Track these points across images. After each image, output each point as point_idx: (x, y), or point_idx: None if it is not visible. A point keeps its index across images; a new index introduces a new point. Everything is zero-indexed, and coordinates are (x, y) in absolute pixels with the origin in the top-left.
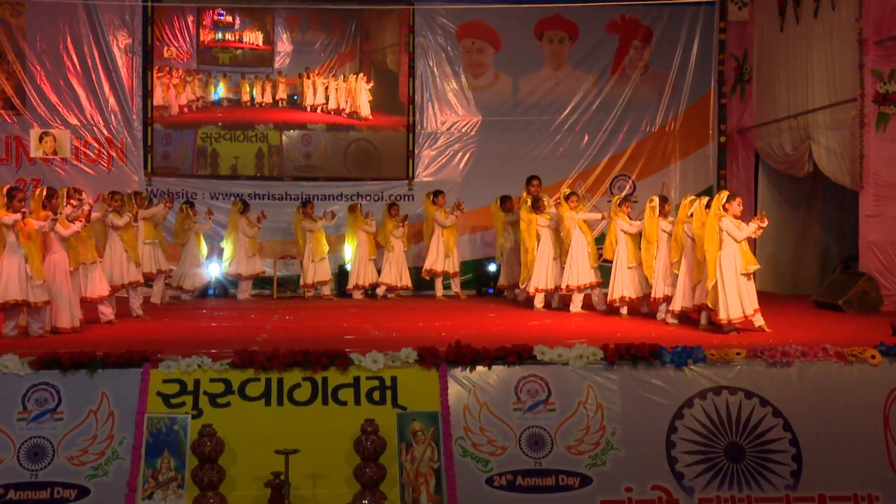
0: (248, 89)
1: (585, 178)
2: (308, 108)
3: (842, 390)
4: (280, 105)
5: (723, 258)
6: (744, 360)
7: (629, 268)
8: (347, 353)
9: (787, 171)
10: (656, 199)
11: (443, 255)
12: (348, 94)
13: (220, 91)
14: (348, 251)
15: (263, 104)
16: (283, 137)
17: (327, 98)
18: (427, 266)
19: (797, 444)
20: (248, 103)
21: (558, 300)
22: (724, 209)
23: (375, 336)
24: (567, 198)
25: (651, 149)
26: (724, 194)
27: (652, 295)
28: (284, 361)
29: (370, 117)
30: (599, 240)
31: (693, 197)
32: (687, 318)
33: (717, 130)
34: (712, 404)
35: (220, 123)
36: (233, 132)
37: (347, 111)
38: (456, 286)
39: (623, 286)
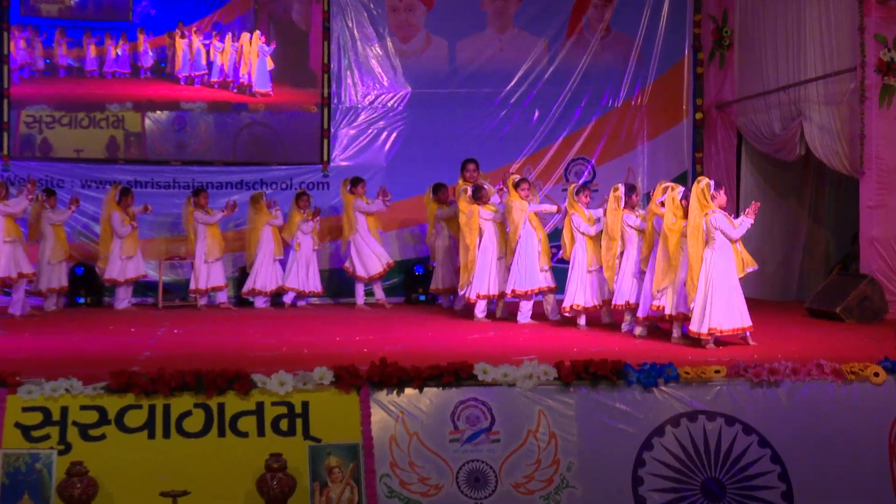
0: (94, 53)
1: (535, 163)
2: (182, 80)
3: (840, 414)
4: (142, 76)
5: (714, 259)
6: (724, 380)
7: (589, 271)
8: (248, 374)
9: (774, 155)
10: (621, 188)
11: (374, 254)
12: (239, 59)
13: (55, 55)
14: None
15: (117, 74)
16: (147, 121)
17: (209, 65)
18: (351, 269)
19: (787, 479)
20: (95, 73)
21: (504, 309)
22: (712, 199)
23: (282, 353)
24: (517, 185)
25: (614, 127)
26: (706, 182)
27: (614, 302)
28: (172, 384)
29: (270, 92)
30: (554, 236)
31: (669, 183)
32: (657, 329)
33: (693, 106)
34: (687, 432)
35: (53, 103)
36: (72, 115)
37: (238, 84)
38: (380, 292)
39: (581, 292)
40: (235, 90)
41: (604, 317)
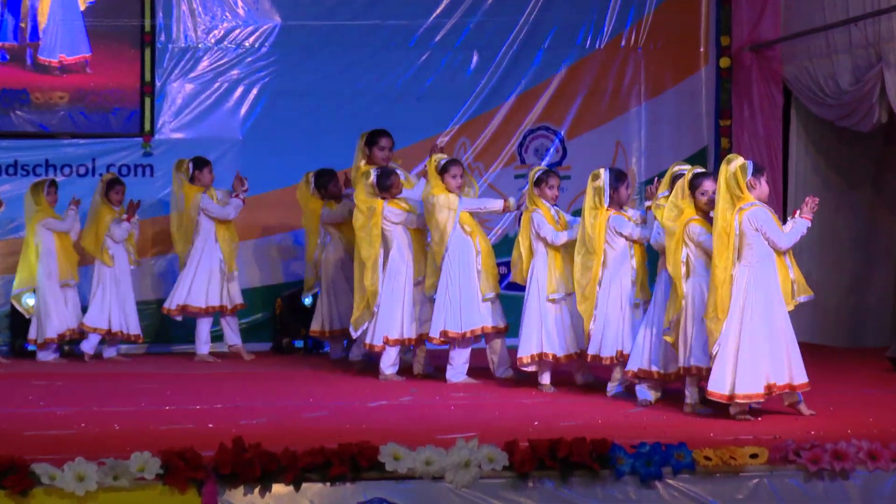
0: None
1: (474, 133)
2: None
3: None
4: None
5: (749, 281)
6: (765, 468)
7: (553, 300)
8: (27, 464)
9: (840, 123)
10: (603, 176)
11: (217, 277)
12: None
13: None
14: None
15: None
16: None
17: None
18: (179, 301)
19: None
20: None
21: (426, 361)
22: (749, 188)
23: (81, 430)
24: (444, 169)
25: (595, 81)
26: (740, 163)
27: (593, 351)
28: None
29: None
30: (503, 247)
31: (685, 166)
32: (663, 391)
33: (715, 48)
34: None
35: None
36: None
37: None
38: (234, 335)
39: (545, 334)
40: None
41: (580, 374)
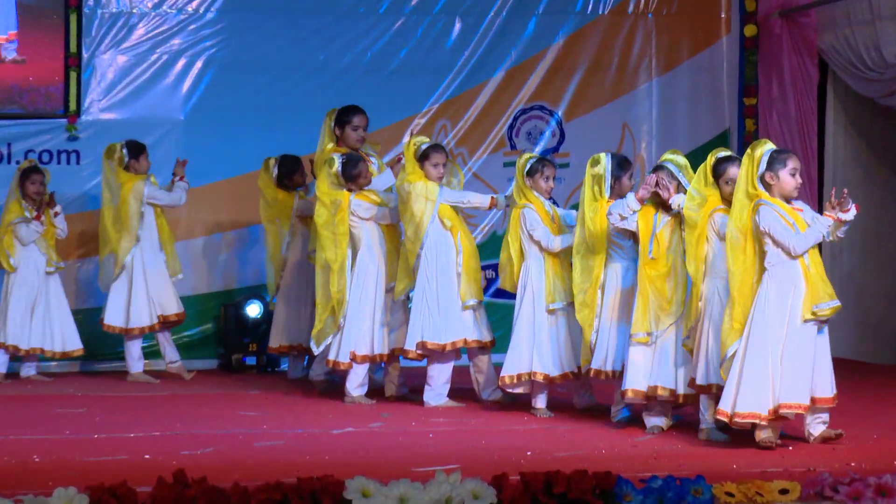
0: None
1: (456, 115)
2: None
3: None
4: None
5: (768, 291)
6: None
7: (551, 311)
8: None
9: (884, 101)
10: (604, 161)
11: (160, 283)
12: None
13: None
14: None
15: None
16: None
17: None
18: (110, 319)
19: None
20: None
21: (400, 380)
22: (766, 183)
23: None
24: (423, 156)
25: (597, 53)
26: (765, 148)
27: (595, 366)
28: None
29: None
30: (490, 247)
31: (725, 152)
32: (677, 416)
33: (740, 13)
34: None
35: None
36: None
37: None
38: (172, 352)
39: (538, 350)
40: None
41: (579, 395)
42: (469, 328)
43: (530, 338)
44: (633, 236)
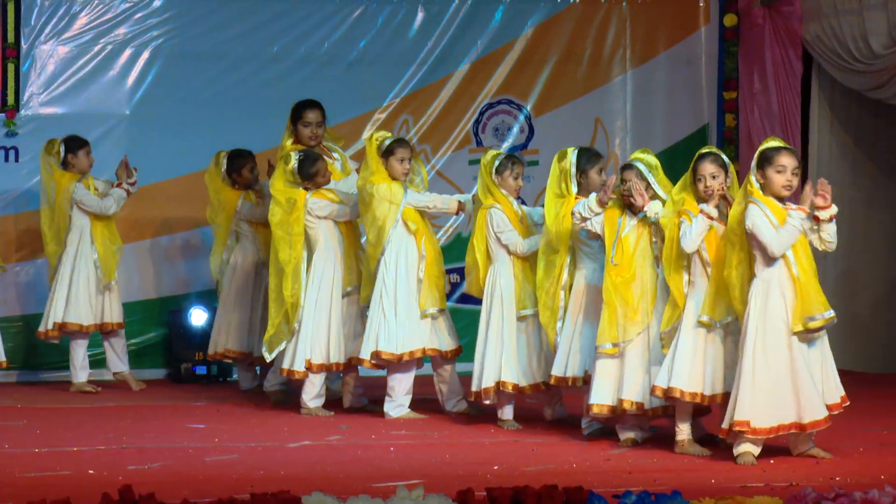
0: None
1: (419, 109)
2: None
3: None
4: None
5: (757, 299)
6: None
7: (521, 318)
8: None
9: (871, 94)
10: (570, 156)
11: (92, 289)
12: None
13: None
14: None
15: None
16: None
17: None
18: (56, 318)
19: None
20: None
21: (359, 391)
22: (758, 182)
23: None
24: (388, 151)
25: (569, 43)
26: (765, 145)
27: (556, 372)
28: None
29: None
30: (455, 250)
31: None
32: (653, 428)
33: (719, 2)
34: None
35: None
36: None
37: None
38: (118, 361)
39: (506, 359)
40: None
41: (550, 407)
42: (428, 337)
43: (498, 346)
44: (600, 237)
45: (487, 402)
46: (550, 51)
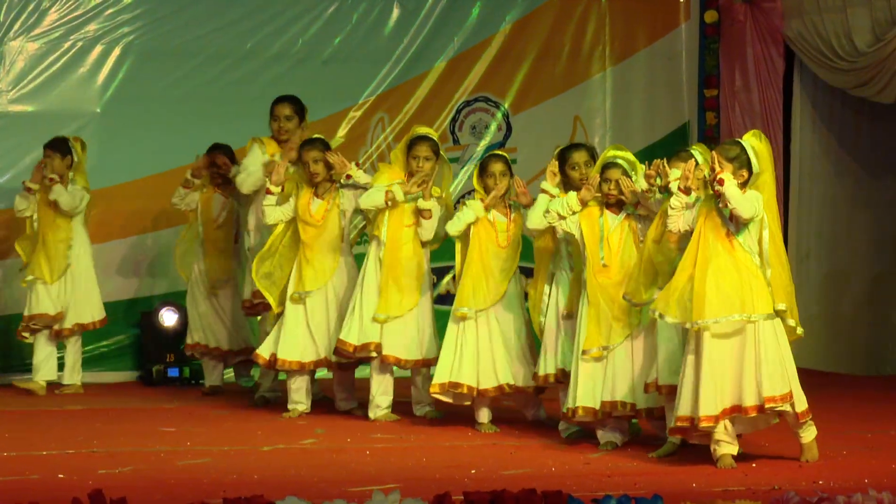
0: None
1: (395, 107)
2: None
3: None
4: None
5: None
6: None
7: (459, 315)
8: None
9: (855, 92)
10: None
11: (57, 290)
12: None
13: None
14: None
15: None
16: None
17: None
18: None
19: None
20: None
21: (345, 394)
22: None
23: None
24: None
25: (546, 40)
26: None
27: (540, 371)
28: None
29: None
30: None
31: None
32: (633, 429)
33: None
34: None
35: None
36: None
37: None
38: (73, 371)
39: (480, 356)
40: None
41: (531, 408)
42: (385, 334)
43: (451, 345)
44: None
45: (446, 398)
46: (528, 47)
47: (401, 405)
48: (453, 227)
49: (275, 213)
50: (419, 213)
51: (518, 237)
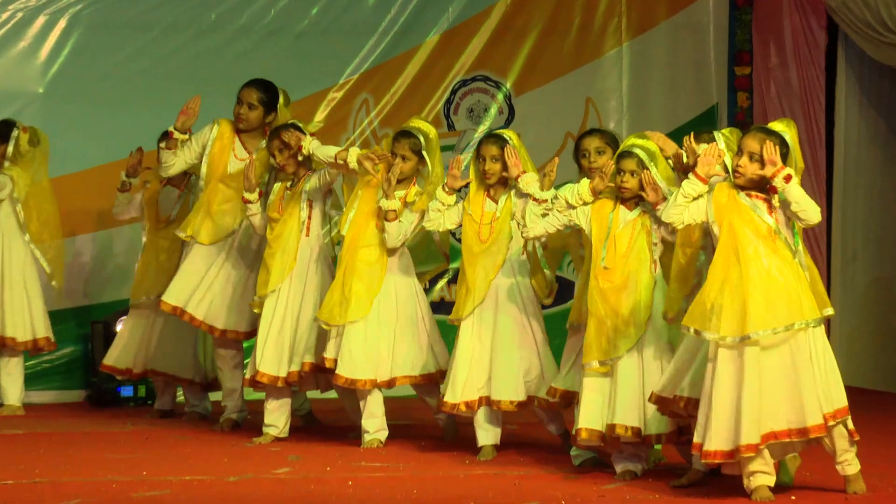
0: None
1: (381, 87)
2: None
3: None
4: None
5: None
6: None
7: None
8: None
9: None
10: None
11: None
12: None
13: None
14: None
15: None
16: None
17: None
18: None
19: None
20: None
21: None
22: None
23: None
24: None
25: (554, 11)
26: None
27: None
28: None
29: None
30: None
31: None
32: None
33: None
34: None
35: None
36: None
37: None
38: (15, 389)
39: (476, 370)
40: None
41: (554, 423)
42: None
43: (471, 355)
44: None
45: (463, 414)
46: (533, 19)
47: (401, 429)
48: (431, 224)
49: (261, 220)
50: (382, 216)
51: (506, 230)
